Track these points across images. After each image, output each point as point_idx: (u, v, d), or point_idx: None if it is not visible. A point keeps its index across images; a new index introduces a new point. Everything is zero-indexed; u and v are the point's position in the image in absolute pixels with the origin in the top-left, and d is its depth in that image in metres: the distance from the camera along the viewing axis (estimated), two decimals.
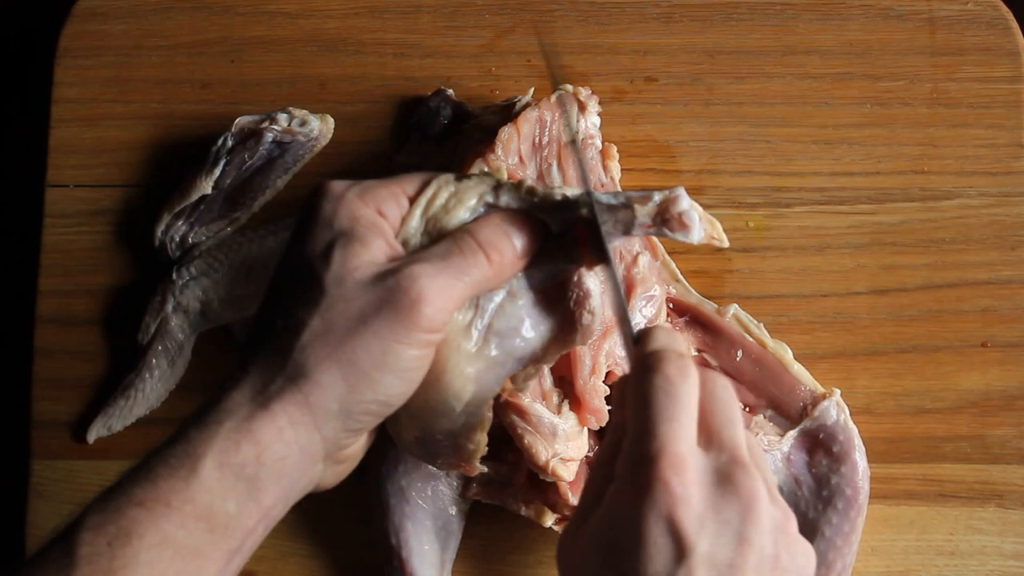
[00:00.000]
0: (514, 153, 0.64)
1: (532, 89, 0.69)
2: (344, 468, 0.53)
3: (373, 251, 0.50)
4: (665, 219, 0.51)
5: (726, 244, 0.53)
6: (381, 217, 0.51)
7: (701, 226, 0.52)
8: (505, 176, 0.54)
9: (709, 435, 0.46)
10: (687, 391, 0.46)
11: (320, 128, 0.70)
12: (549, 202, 0.52)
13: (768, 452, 0.65)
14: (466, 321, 0.52)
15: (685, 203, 0.51)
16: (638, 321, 0.63)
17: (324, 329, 0.48)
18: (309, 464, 0.49)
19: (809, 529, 0.65)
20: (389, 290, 0.48)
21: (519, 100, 0.68)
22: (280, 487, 0.48)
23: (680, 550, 0.43)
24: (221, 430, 0.47)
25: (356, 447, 0.52)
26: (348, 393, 0.48)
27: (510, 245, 0.51)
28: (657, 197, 0.51)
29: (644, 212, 0.51)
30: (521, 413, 0.59)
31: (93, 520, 0.44)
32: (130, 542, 0.44)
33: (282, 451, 0.47)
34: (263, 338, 0.50)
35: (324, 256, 0.49)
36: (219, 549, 0.46)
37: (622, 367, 0.62)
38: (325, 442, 0.49)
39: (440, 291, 0.48)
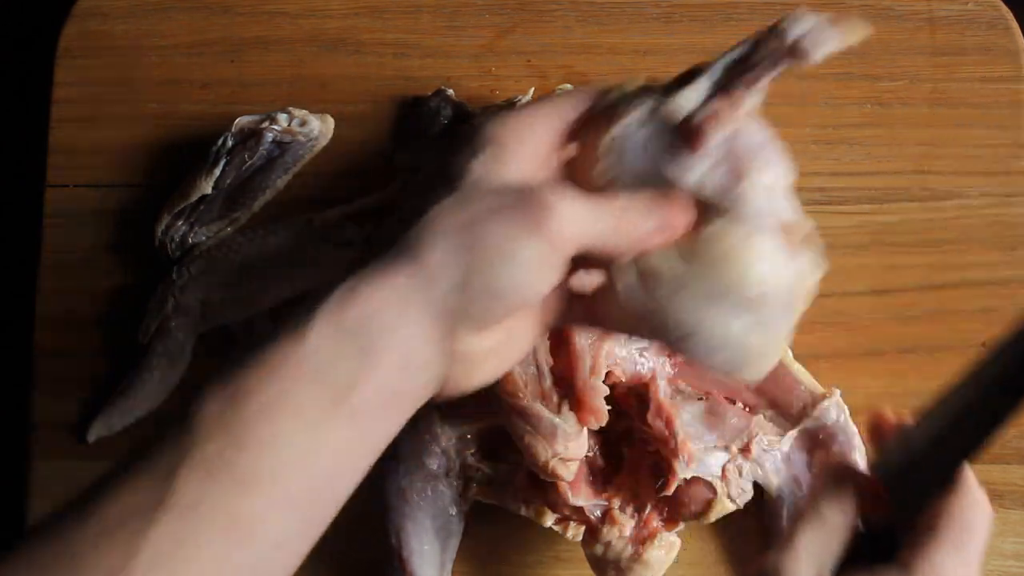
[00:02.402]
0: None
1: (532, 89, 0.69)
2: (470, 368, 0.51)
3: (515, 166, 0.50)
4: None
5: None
6: (532, 136, 0.51)
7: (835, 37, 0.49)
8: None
9: None
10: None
11: (320, 128, 0.70)
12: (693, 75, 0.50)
13: (768, 452, 0.65)
14: None
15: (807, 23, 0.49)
16: None
17: (450, 216, 0.49)
18: (421, 343, 0.48)
19: None
20: (525, 195, 0.49)
21: (519, 100, 0.68)
22: (391, 360, 0.47)
23: None
24: (332, 295, 0.47)
25: (484, 345, 0.51)
26: (463, 276, 0.48)
27: (646, 223, 0.50)
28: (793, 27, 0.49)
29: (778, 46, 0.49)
30: (521, 413, 0.59)
31: (210, 384, 0.45)
32: (248, 401, 0.45)
33: (393, 320, 0.47)
34: (384, 233, 0.51)
35: (466, 162, 0.50)
36: (338, 414, 0.46)
37: (622, 367, 0.62)
38: (437, 322, 0.48)
39: (573, 216, 0.48)
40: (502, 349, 0.52)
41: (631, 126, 0.51)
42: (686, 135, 0.50)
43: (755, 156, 0.50)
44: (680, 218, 0.50)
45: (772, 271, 0.49)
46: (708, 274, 0.49)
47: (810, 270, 0.50)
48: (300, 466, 0.45)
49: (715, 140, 0.50)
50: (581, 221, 0.49)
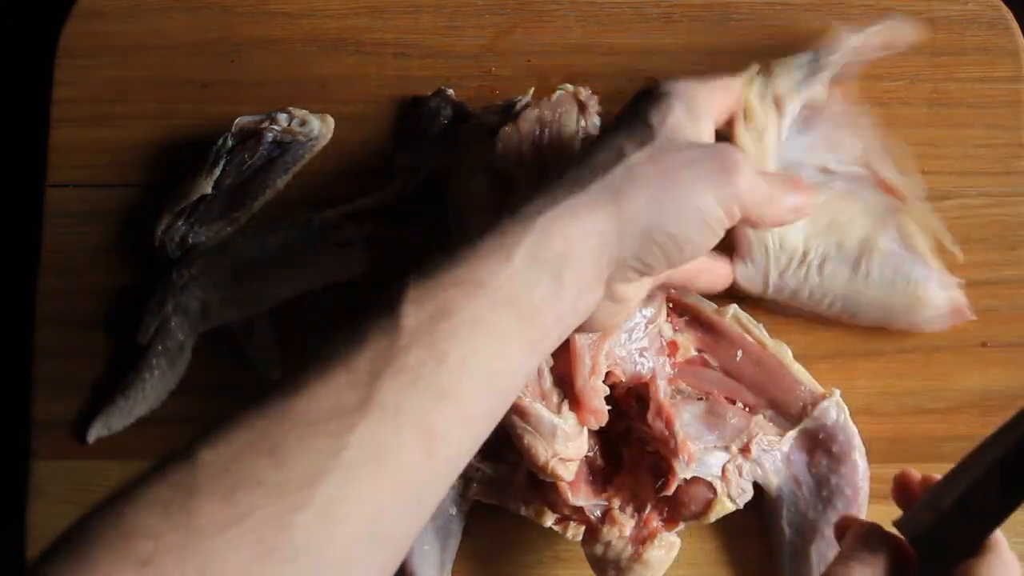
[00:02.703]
0: (515, 153, 0.64)
1: (532, 89, 0.69)
2: (616, 311, 0.54)
3: (704, 125, 0.55)
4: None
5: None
6: (717, 102, 0.58)
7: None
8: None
9: None
10: None
11: (320, 128, 0.70)
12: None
13: (768, 452, 0.65)
14: None
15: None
16: (637, 321, 0.63)
17: (650, 161, 0.52)
18: (597, 280, 0.51)
19: (809, 529, 0.65)
20: (719, 152, 0.53)
21: (519, 100, 0.68)
22: (577, 290, 0.50)
23: None
24: (535, 224, 0.49)
25: (632, 291, 0.54)
26: (653, 218, 0.51)
27: (793, 199, 0.56)
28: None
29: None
30: (521, 413, 0.59)
31: (414, 295, 0.46)
32: (449, 317, 0.46)
33: (584, 253, 0.50)
34: (580, 164, 0.53)
35: (662, 115, 0.54)
36: (523, 337, 0.48)
37: (622, 367, 0.62)
38: (613, 259, 0.51)
39: (753, 178, 0.53)
40: (638, 300, 0.55)
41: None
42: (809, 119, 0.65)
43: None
44: (812, 198, 0.58)
45: None
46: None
47: None
48: (487, 385, 0.47)
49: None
50: (756, 184, 0.53)
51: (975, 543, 0.48)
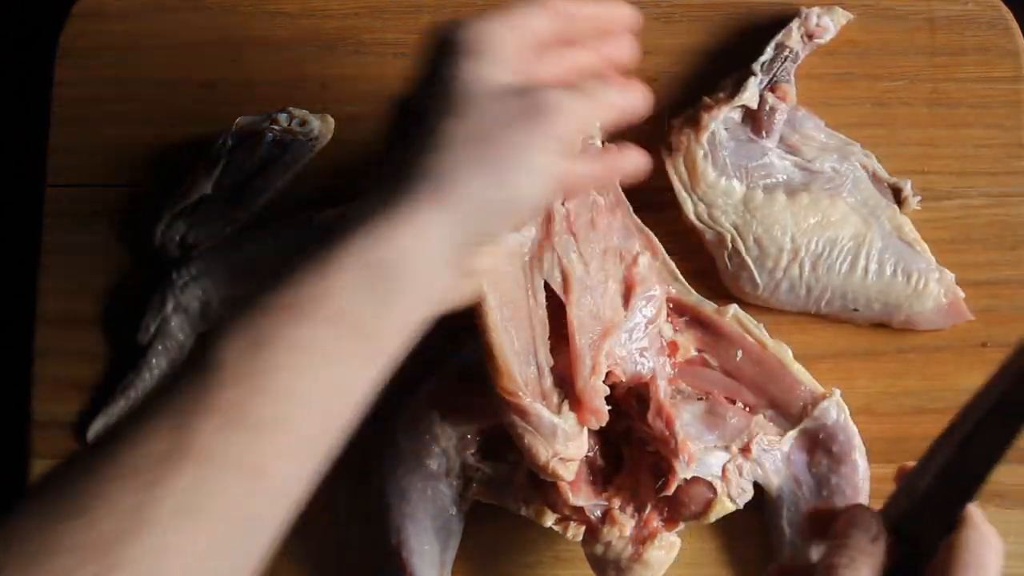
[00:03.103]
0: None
1: None
2: (469, 284, 0.53)
3: (500, 67, 0.51)
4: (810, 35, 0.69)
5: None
6: (504, 37, 0.52)
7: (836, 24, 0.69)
8: None
9: None
10: None
11: (320, 128, 0.70)
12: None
13: (768, 452, 0.65)
14: None
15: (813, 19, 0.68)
16: (637, 321, 0.63)
17: (464, 132, 0.49)
18: (440, 267, 0.49)
19: None
20: (530, 98, 0.50)
21: None
22: (415, 293, 0.48)
23: None
24: (356, 232, 0.47)
25: (487, 261, 0.53)
26: (483, 191, 0.49)
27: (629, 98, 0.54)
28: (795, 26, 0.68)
29: (795, 39, 0.68)
30: (521, 413, 0.59)
31: (231, 329, 0.45)
32: (266, 346, 0.45)
33: (417, 259, 0.48)
34: (393, 152, 0.51)
35: (454, 70, 0.50)
36: (354, 352, 0.46)
37: (622, 367, 0.62)
38: (456, 246, 0.49)
39: (573, 110, 0.50)
40: (498, 260, 0.54)
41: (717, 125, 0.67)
42: (756, 126, 0.68)
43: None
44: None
45: None
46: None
47: None
48: (314, 410, 0.45)
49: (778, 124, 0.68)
50: (580, 111, 0.50)
51: (951, 519, 0.48)
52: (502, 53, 0.51)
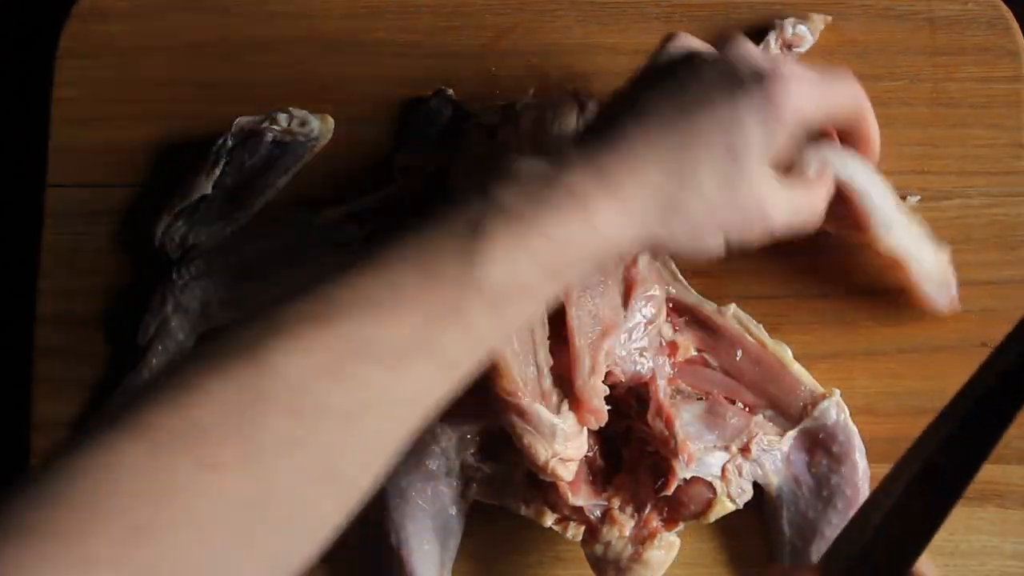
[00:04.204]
0: (515, 153, 0.64)
1: (532, 90, 0.69)
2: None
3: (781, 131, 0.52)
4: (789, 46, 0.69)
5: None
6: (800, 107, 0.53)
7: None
8: None
9: None
10: None
11: (320, 128, 0.70)
12: None
13: (768, 452, 0.65)
14: None
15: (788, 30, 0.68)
16: (638, 321, 0.63)
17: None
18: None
19: (809, 529, 0.65)
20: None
21: (519, 100, 0.68)
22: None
23: None
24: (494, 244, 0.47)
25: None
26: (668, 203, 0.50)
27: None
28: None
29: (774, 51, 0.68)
30: (521, 413, 0.59)
31: (500, 238, 0.46)
32: (519, 289, 0.46)
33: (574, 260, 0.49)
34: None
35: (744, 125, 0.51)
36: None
37: (622, 367, 0.62)
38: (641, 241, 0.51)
39: (801, 87, 0.52)
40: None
41: None
42: None
43: None
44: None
45: None
46: None
47: None
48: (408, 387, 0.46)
49: None
50: (809, 92, 0.51)
51: (901, 569, 0.47)
52: (785, 119, 0.51)
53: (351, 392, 0.42)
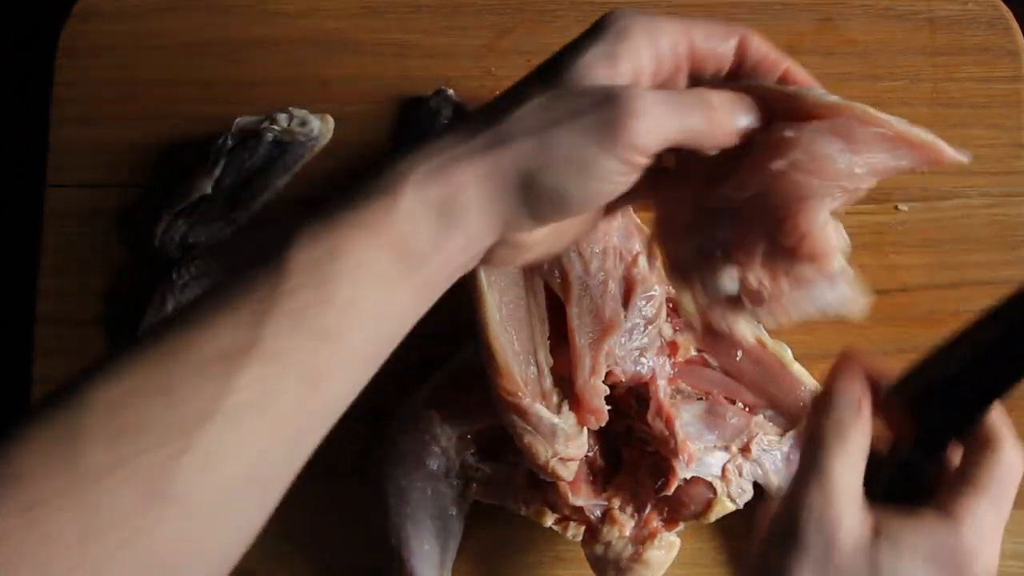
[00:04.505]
0: None
1: None
2: (515, 254, 0.53)
3: (622, 67, 0.50)
4: None
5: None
6: (660, 40, 0.52)
7: None
8: None
9: None
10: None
11: (320, 128, 0.70)
12: None
13: (768, 452, 0.65)
14: None
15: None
16: (637, 321, 0.63)
17: (538, 113, 0.49)
18: (486, 225, 0.49)
19: None
20: (609, 96, 0.49)
21: None
22: (464, 236, 0.49)
23: None
24: (418, 169, 0.48)
25: (532, 237, 0.52)
26: (535, 172, 0.48)
27: (732, 118, 0.51)
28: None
29: None
30: (521, 413, 0.59)
31: (304, 238, 0.46)
32: (335, 259, 0.46)
33: (470, 201, 0.48)
34: (487, 106, 0.51)
35: (574, 54, 0.51)
36: (407, 282, 0.48)
37: (622, 367, 0.62)
38: (506, 210, 0.49)
39: (655, 117, 0.49)
40: (551, 239, 0.53)
41: None
42: None
43: None
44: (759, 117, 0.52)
45: None
46: None
47: None
48: (371, 328, 0.47)
49: None
50: (661, 119, 0.49)
51: (973, 417, 0.46)
52: (632, 53, 0.51)
53: (178, 406, 0.42)
